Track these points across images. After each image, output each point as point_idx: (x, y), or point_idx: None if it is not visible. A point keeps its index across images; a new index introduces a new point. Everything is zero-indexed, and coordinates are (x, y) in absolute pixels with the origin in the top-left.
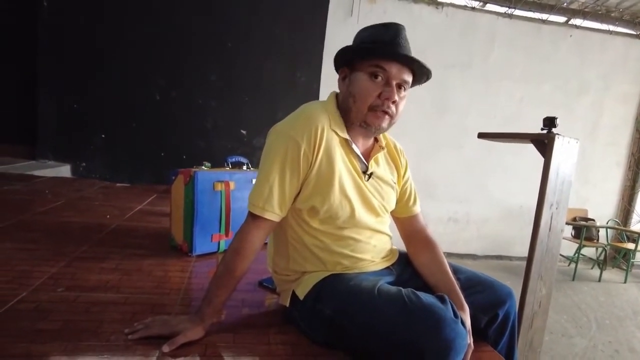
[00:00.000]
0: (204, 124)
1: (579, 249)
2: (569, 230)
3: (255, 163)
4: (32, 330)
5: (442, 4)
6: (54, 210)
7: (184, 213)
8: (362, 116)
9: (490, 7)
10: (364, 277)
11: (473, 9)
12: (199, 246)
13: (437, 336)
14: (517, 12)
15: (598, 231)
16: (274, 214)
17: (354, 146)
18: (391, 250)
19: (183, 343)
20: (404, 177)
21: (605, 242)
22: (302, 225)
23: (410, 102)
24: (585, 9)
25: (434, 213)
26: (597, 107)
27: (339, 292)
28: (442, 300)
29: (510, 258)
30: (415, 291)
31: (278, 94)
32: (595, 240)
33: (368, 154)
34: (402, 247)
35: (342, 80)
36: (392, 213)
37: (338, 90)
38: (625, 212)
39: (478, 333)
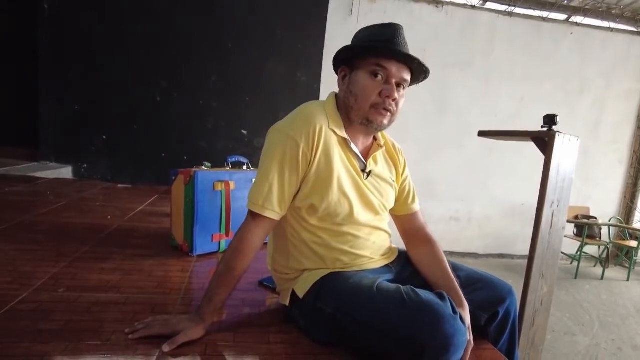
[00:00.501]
0: (205, 124)
1: (581, 247)
2: (571, 229)
3: (256, 163)
4: (33, 331)
5: (442, 3)
6: (56, 212)
7: (184, 213)
8: (364, 114)
9: (490, 5)
10: (364, 275)
11: (473, 7)
12: (200, 246)
13: (437, 333)
14: (518, 10)
15: (600, 229)
16: (273, 212)
17: (352, 145)
18: (391, 249)
19: (184, 342)
20: (402, 175)
21: (608, 240)
22: (301, 223)
23: (411, 101)
24: (586, 7)
25: (435, 212)
26: (599, 104)
27: (339, 290)
28: (441, 297)
29: (512, 256)
30: (415, 288)
31: (279, 94)
32: (597, 238)
33: (367, 153)
34: (402, 245)
35: (341, 79)
36: (391, 211)
37: (337, 90)
38: (628, 210)
39: (478, 331)
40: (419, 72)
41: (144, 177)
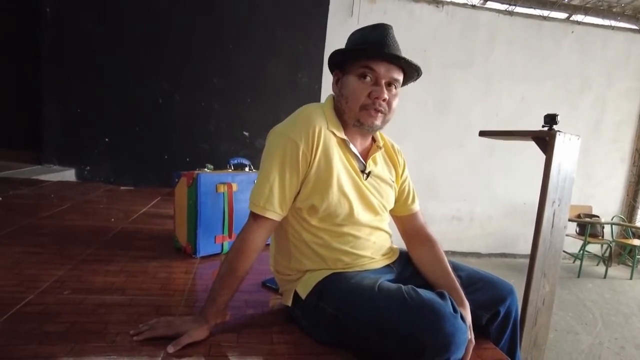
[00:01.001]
0: (207, 126)
1: (584, 245)
2: (573, 227)
3: (257, 164)
4: (39, 332)
5: (442, 3)
6: (60, 214)
7: (187, 215)
8: (355, 115)
9: (490, 4)
10: (365, 275)
11: (473, 6)
12: (203, 248)
13: (437, 331)
14: (518, 9)
15: (603, 228)
16: (274, 213)
17: (351, 146)
18: (391, 248)
19: (188, 343)
20: (402, 176)
21: (611, 239)
22: (302, 224)
23: (411, 101)
24: (587, 5)
25: (437, 212)
26: (600, 103)
27: (341, 290)
28: (441, 296)
29: (514, 256)
30: (416, 288)
31: (280, 95)
32: (600, 237)
33: (366, 154)
34: (402, 245)
35: (335, 83)
36: (392, 212)
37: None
38: (630, 208)
39: (480, 330)
40: (410, 70)
41: (146, 179)
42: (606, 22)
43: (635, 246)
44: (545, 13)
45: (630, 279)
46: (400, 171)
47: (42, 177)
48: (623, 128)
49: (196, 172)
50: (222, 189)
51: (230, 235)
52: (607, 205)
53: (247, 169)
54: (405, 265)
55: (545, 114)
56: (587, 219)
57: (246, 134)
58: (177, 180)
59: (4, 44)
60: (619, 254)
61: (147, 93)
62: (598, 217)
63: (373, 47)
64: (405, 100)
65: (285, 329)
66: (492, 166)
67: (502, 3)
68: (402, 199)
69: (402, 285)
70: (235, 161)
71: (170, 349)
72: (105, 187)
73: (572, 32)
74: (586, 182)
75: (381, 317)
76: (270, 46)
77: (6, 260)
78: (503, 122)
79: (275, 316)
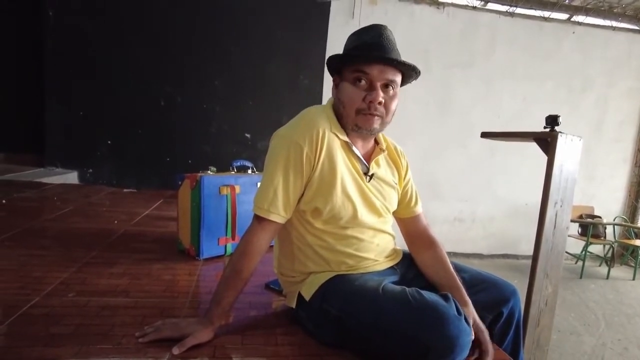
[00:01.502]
0: (209, 128)
1: (586, 246)
2: (575, 228)
3: (260, 166)
4: (45, 335)
5: (443, 4)
6: (63, 217)
7: (190, 217)
8: (352, 120)
9: (491, 5)
10: (369, 277)
11: (474, 8)
12: (206, 250)
13: (441, 333)
14: (519, 11)
15: (605, 228)
16: (278, 215)
17: (354, 148)
18: (395, 250)
19: (193, 345)
20: (404, 178)
21: (613, 239)
22: (305, 226)
23: (413, 102)
24: (588, 6)
25: (439, 213)
26: (602, 103)
27: (345, 292)
28: (445, 298)
29: (516, 257)
30: (419, 290)
31: (281, 97)
32: (602, 238)
33: (369, 156)
34: (406, 247)
35: (335, 87)
36: (394, 214)
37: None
38: (633, 209)
39: None
40: (407, 70)
41: (148, 182)
42: (607, 22)
43: (637, 247)
44: (546, 14)
45: (633, 279)
46: (403, 173)
47: (45, 180)
48: (625, 128)
49: (199, 174)
50: (225, 191)
51: (233, 237)
52: (610, 205)
53: (249, 171)
54: (408, 267)
55: (547, 115)
56: (589, 220)
57: (248, 135)
58: (180, 182)
59: (7, 47)
60: (622, 254)
61: (149, 95)
62: (600, 217)
63: (365, 51)
64: (406, 101)
65: (290, 331)
66: (493, 167)
67: (503, 4)
68: (405, 201)
69: (406, 288)
70: (238, 163)
71: (176, 351)
72: (107, 189)
73: (573, 32)
74: (588, 182)
75: (385, 319)
76: (271, 48)
77: (11, 263)
78: (505, 122)
79: (279, 318)
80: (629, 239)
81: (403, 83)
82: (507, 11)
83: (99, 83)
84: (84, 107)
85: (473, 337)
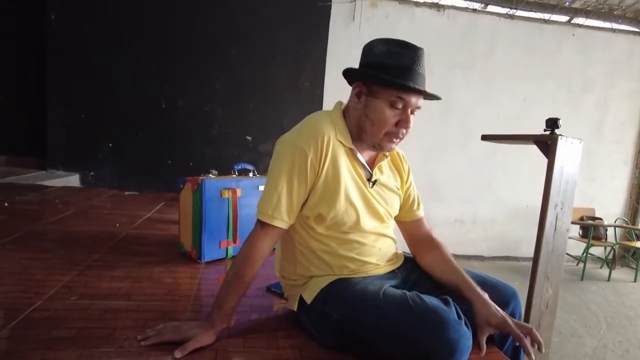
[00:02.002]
0: (210, 131)
1: (587, 248)
2: (576, 230)
3: (261, 169)
4: (48, 338)
5: (443, 7)
6: (65, 220)
7: (192, 220)
8: (377, 140)
9: (491, 8)
10: (370, 280)
11: (474, 10)
12: (208, 253)
13: (442, 338)
14: (519, 13)
15: (606, 230)
16: (282, 221)
17: (359, 155)
18: (396, 254)
19: (195, 348)
20: (406, 182)
21: (614, 241)
22: (308, 231)
23: None
24: (588, 8)
25: (440, 215)
26: (602, 105)
27: (346, 296)
28: (445, 302)
29: (517, 259)
30: (420, 294)
31: (282, 99)
32: (603, 239)
33: (372, 162)
34: (407, 250)
35: (356, 96)
36: (397, 218)
37: (346, 99)
38: (634, 211)
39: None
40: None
41: (150, 184)
42: (607, 24)
43: (639, 248)
44: (546, 16)
45: (634, 281)
46: (405, 177)
47: (47, 183)
48: (625, 129)
49: (201, 177)
50: (227, 194)
51: (234, 240)
52: (610, 207)
53: (250, 174)
54: (409, 271)
55: (547, 118)
56: (590, 222)
57: (249, 138)
58: (181, 186)
59: (9, 50)
60: (623, 256)
61: (151, 98)
62: (601, 219)
63: (407, 77)
64: None
65: (291, 334)
66: (494, 168)
67: (503, 7)
68: (407, 205)
69: (407, 292)
70: (239, 167)
71: (178, 354)
72: (109, 192)
73: (573, 34)
74: (589, 184)
75: (386, 323)
76: (272, 51)
77: (14, 266)
78: (506, 124)
79: (281, 321)
80: (630, 240)
81: None
82: (507, 14)
83: (100, 85)
84: (85, 110)
85: (486, 344)
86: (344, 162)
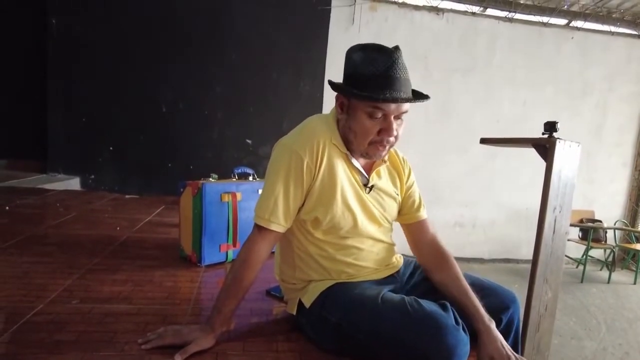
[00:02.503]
0: (210, 134)
1: (587, 250)
2: (576, 232)
3: (261, 172)
4: (50, 342)
5: (442, 10)
6: (66, 223)
7: (192, 224)
8: (363, 149)
9: (490, 11)
10: (368, 285)
11: (474, 14)
12: (208, 256)
13: (440, 343)
14: (518, 16)
15: (606, 232)
16: (279, 225)
17: (353, 161)
18: (395, 258)
19: (195, 352)
20: (407, 183)
21: (614, 244)
22: (306, 236)
23: (413, 107)
24: (586, 11)
25: (440, 218)
26: (602, 108)
27: (344, 300)
28: (444, 307)
29: (517, 261)
30: (418, 299)
31: (282, 103)
32: (603, 242)
33: (370, 167)
34: (408, 252)
35: (339, 107)
36: (399, 220)
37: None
38: (633, 213)
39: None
40: (421, 99)
41: (150, 188)
42: (606, 27)
43: (638, 251)
44: (545, 19)
45: (634, 283)
46: (405, 179)
47: (47, 186)
48: (625, 132)
49: (201, 181)
50: (227, 198)
51: (234, 244)
52: (610, 209)
53: (250, 178)
54: (408, 276)
55: (545, 121)
56: (590, 224)
57: (249, 141)
58: (182, 189)
59: (10, 54)
60: (623, 258)
61: (151, 102)
62: (600, 221)
63: (381, 86)
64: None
65: (291, 337)
66: (494, 171)
67: (502, 10)
68: (407, 205)
69: (405, 297)
70: (239, 170)
71: (178, 358)
72: (110, 195)
73: (572, 37)
74: (588, 186)
75: (384, 328)
76: (272, 54)
77: (15, 270)
78: (505, 127)
79: (280, 324)
80: (630, 243)
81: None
82: (506, 17)
83: (101, 89)
84: (86, 114)
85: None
86: (341, 167)
